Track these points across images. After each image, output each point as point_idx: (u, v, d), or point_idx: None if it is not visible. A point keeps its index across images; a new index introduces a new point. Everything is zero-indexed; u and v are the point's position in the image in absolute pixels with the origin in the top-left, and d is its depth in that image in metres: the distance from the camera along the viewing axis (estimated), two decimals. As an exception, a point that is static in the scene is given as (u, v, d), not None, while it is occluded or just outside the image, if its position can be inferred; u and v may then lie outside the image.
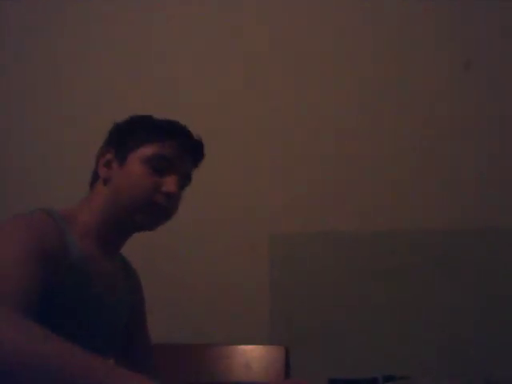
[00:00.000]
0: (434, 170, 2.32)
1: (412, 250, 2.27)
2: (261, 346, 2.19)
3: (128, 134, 1.31)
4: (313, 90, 2.41)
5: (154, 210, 1.26)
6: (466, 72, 2.34)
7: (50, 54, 2.55)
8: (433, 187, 2.31)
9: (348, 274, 2.28)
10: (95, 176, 1.31)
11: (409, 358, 2.17)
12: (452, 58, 2.36)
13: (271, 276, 2.31)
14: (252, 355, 2.16)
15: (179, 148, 1.29)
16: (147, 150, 1.27)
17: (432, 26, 2.38)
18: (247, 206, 2.36)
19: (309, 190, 2.35)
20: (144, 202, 1.25)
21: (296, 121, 2.40)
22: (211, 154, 2.37)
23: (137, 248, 2.34)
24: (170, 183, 1.26)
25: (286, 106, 2.41)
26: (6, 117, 2.53)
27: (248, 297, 2.30)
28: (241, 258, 2.33)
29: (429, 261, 2.25)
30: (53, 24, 2.54)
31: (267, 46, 2.44)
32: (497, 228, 2.25)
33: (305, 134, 2.39)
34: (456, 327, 2.20)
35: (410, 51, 2.39)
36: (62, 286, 1.12)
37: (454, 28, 2.38)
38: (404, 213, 2.30)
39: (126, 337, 1.39)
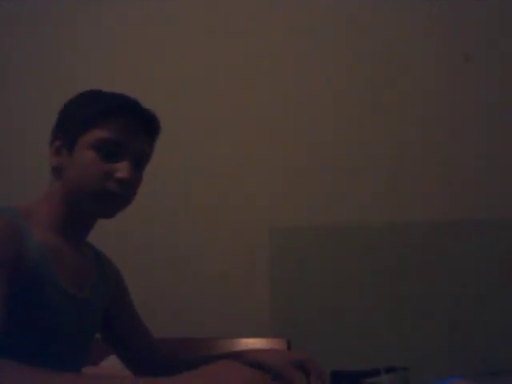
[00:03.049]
0: (434, 162, 2.33)
1: (412, 241, 2.28)
2: (263, 339, 2.21)
3: (75, 117, 1.19)
4: (313, 82, 2.42)
5: (107, 198, 1.17)
6: (466, 65, 2.34)
7: (51, 53, 2.57)
8: (432, 179, 2.32)
9: (348, 266, 2.29)
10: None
11: (410, 350, 2.18)
12: (451, 51, 2.36)
13: (272, 269, 2.32)
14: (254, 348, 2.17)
15: (129, 128, 1.18)
16: (95, 134, 1.16)
17: (431, 20, 2.38)
18: (247, 201, 2.37)
19: (308, 184, 2.36)
20: (96, 191, 1.16)
21: (295, 114, 2.41)
22: (211, 149, 2.42)
23: (137, 244, 2.38)
24: (122, 169, 1.16)
25: (284, 98, 2.42)
26: (5, 117, 2.56)
27: (249, 290, 2.32)
28: (241, 252, 2.35)
29: (429, 252, 2.26)
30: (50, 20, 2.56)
31: (267, 48, 2.46)
32: (497, 218, 2.25)
33: (304, 129, 2.40)
34: (456, 318, 2.21)
35: (410, 45, 2.39)
36: (25, 288, 1.06)
37: (454, 21, 2.38)
38: (404, 205, 2.31)
39: (113, 326, 1.36)
